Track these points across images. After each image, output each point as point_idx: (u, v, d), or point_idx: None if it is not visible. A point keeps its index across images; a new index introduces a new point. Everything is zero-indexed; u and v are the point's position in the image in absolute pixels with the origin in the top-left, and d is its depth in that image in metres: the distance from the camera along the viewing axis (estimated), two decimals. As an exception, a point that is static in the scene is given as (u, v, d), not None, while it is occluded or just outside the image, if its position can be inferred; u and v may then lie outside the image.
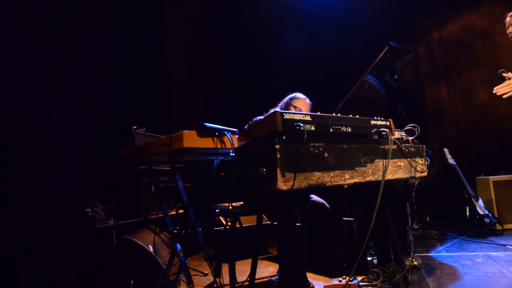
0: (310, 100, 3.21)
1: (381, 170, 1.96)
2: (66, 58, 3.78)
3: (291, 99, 3.20)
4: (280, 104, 3.25)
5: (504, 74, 2.64)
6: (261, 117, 3.04)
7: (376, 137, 2.07)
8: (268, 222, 3.21)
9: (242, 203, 2.58)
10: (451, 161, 4.58)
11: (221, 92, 6.06)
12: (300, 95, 3.22)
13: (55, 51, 3.67)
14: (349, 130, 1.89)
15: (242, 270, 3.09)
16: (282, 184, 1.50)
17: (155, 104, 4.93)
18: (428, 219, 4.95)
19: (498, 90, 2.61)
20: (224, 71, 6.11)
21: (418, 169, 2.22)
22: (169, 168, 3.71)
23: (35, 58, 3.50)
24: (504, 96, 2.60)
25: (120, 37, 4.57)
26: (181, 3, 5.75)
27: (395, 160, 2.08)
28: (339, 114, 1.89)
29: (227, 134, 1.96)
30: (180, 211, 3.74)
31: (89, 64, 4.08)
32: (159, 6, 5.37)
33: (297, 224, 2.58)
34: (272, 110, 3.04)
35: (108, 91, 4.26)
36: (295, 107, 3.12)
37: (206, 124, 1.92)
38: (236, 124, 2.96)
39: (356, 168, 1.82)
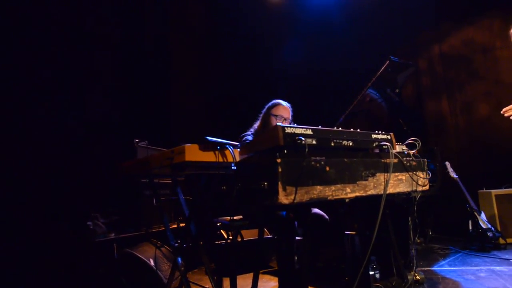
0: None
1: (383, 184, 1.95)
2: (68, 69, 3.82)
3: (270, 108, 3.09)
4: (261, 117, 3.14)
5: None
6: (249, 134, 3.03)
7: (377, 151, 2.07)
8: (269, 236, 3.19)
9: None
10: (453, 174, 4.56)
11: (222, 105, 6.09)
12: (278, 101, 3.12)
13: (58, 61, 3.72)
14: (350, 144, 1.89)
15: (244, 285, 3.06)
16: (284, 198, 1.50)
17: (157, 118, 4.96)
18: (430, 233, 4.90)
19: (506, 111, 2.66)
20: (225, 83, 6.16)
21: (420, 183, 2.22)
22: (170, 182, 3.70)
23: (39, 66, 3.55)
24: None
25: (124, 51, 4.62)
26: (183, 15, 5.83)
27: (396, 174, 2.08)
28: (340, 128, 1.90)
29: (229, 148, 1.97)
30: (182, 224, 3.73)
31: (91, 76, 4.12)
32: (162, 19, 5.44)
33: (298, 238, 2.56)
34: (256, 124, 3.08)
35: (110, 104, 4.29)
36: (276, 116, 3.02)
37: (208, 137, 1.93)
38: (238, 137, 2.99)
39: (358, 182, 1.82)
